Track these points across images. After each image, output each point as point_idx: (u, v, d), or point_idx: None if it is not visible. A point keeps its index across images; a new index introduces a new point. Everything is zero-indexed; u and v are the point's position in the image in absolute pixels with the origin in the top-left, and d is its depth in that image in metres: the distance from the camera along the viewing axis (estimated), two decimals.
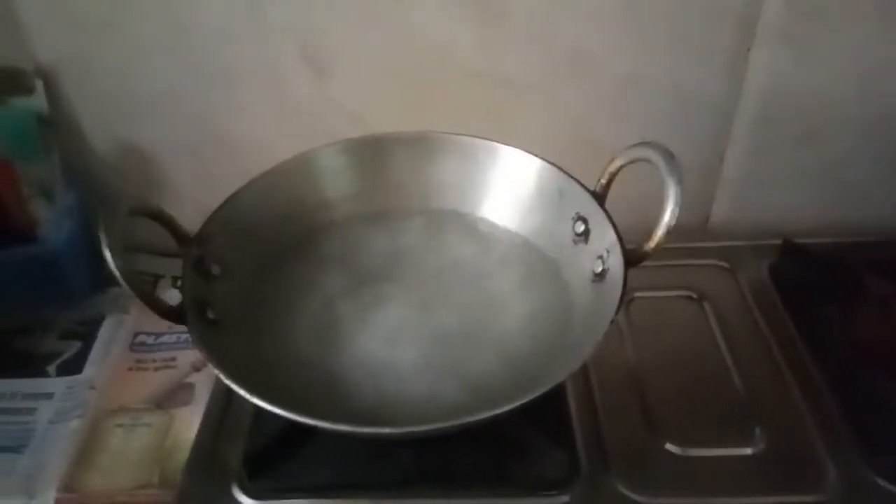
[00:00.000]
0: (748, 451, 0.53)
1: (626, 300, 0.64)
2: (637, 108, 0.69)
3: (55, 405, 0.63)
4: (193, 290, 0.49)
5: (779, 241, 0.68)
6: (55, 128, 0.68)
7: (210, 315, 0.50)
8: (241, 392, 0.42)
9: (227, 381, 0.43)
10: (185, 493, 0.53)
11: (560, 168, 0.57)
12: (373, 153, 0.61)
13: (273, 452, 0.53)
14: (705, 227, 0.77)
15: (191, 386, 0.64)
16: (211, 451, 0.55)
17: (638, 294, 0.66)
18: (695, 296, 0.66)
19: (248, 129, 0.70)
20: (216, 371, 0.43)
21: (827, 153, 0.70)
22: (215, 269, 0.53)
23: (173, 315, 0.47)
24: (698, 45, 0.65)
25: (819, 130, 0.69)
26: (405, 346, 0.53)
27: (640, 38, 0.64)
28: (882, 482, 0.50)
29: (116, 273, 0.44)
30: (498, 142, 0.59)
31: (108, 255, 0.44)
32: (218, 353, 0.45)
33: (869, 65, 0.65)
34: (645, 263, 0.49)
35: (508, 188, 0.60)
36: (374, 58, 0.66)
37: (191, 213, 0.54)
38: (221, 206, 0.55)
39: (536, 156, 0.58)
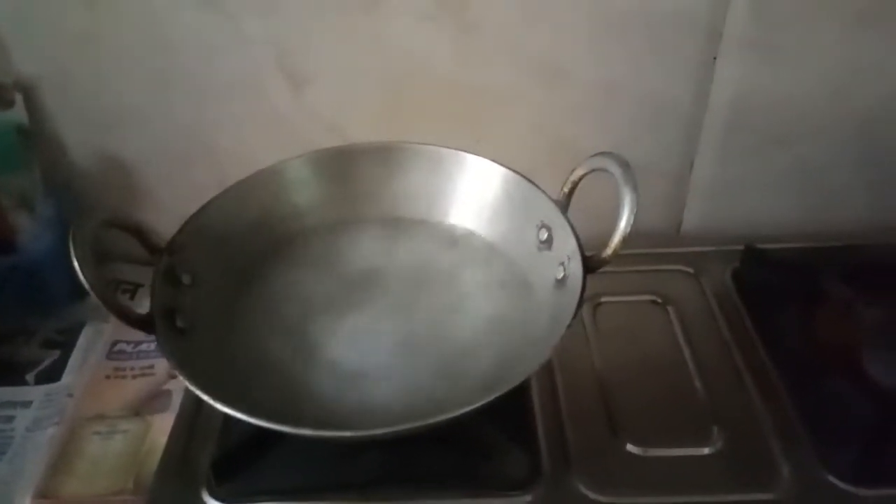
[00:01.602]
0: (706, 450, 0.54)
1: (593, 304, 0.66)
2: (608, 116, 0.70)
3: (33, 413, 0.64)
4: (163, 299, 0.50)
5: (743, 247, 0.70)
6: (35, 140, 0.69)
7: (179, 323, 0.50)
8: (207, 398, 0.43)
9: (193, 388, 0.44)
10: (154, 498, 0.53)
11: (524, 176, 0.58)
12: (341, 164, 0.62)
13: (241, 457, 0.54)
14: (678, 233, 0.78)
15: (168, 393, 0.65)
16: (181, 456, 0.56)
17: (604, 299, 0.67)
18: (659, 300, 0.67)
19: (227, 140, 0.71)
20: (182, 377, 0.44)
21: (796, 159, 0.72)
22: (186, 279, 0.53)
23: (143, 324, 0.48)
24: (666, 53, 0.66)
25: (787, 137, 0.70)
26: (373, 351, 0.54)
27: (609, 47, 0.66)
28: (835, 480, 0.51)
29: (85, 283, 0.45)
30: (465, 151, 0.61)
31: (76, 265, 0.45)
32: (186, 361, 0.46)
33: (836, 71, 0.66)
34: (612, 268, 0.50)
35: (475, 196, 0.61)
36: (350, 69, 0.67)
37: (171, 223, 0.55)
38: (192, 217, 0.55)
39: (502, 165, 0.59)
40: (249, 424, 0.43)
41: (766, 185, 0.74)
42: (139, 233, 0.51)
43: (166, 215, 0.56)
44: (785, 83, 0.67)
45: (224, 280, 0.57)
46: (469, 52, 0.66)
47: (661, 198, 0.76)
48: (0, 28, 0.65)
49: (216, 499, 0.52)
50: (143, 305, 0.49)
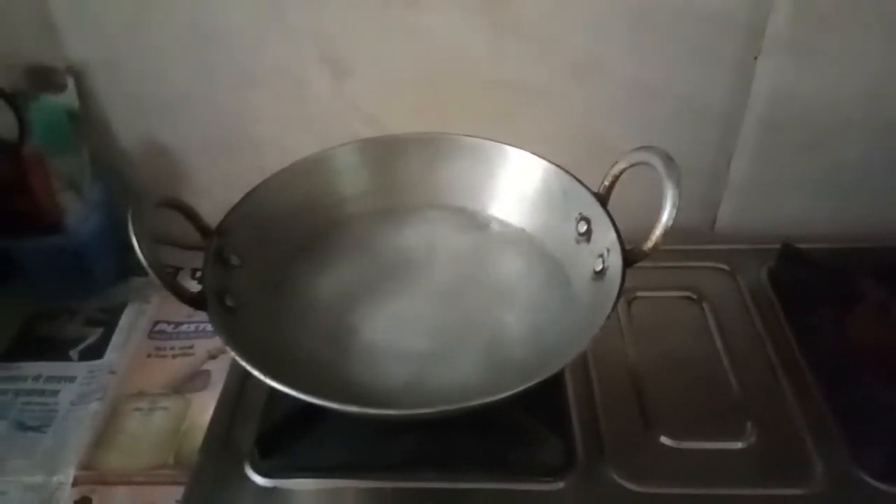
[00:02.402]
0: (739, 445, 0.55)
1: (628, 299, 0.67)
2: (645, 113, 0.70)
3: (77, 388, 0.66)
4: (214, 279, 0.51)
5: (779, 246, 0.70)
6: (85, 124, 0.71)
7: (229, 302, 0.52)
8: (256, 373, 0.44)
9: (243, 363, 0.45)
10: (200, 471, 0.55)
11: (565, 170, 0.58)
12: (386, 153, 0.63)
13: (284, 433, 0.55)
14: (712, 230, 0.78)
15: (207, 373, 0.67)
16: (225, 432, 0.57)
17: (640, 294, 0.67)
18: (695, 297, 0.67)
19: (268, 129, 0.73)
20: (233, 353, 0.45)
21: (832, 159, 0.72)
22: (234, 260, 0.55)
23: (195, 302, 0.49)
24: (706, 52, 0.66)
25: (825, 137, 0.70)
26: (413, 335, 0.55)
27: (648, 45, 0.66)
28: (867, 478, 0.52)
29: (143, 261, 0.46)
30: (507, 143, 0.61)
31: (135, 243, 0.46)
32: (235, 338, 0.47)
33: (874, 73, 0.66)
34: (648, 264, 0.50)
35: (516, 188, 0.62)
36: (390, 61, 0.68)
37: (211, 207, 0.56)
38: (242, 201, 0.57)
39: (543, 157, 0.59)
40: (294, 401, 0.44)
41: (802, 185, 0.74)
42: (191, 214, 0.53)
43: (207, 199, 0.57)
44: (825, 84, 0.67)
45: (270, 263, 0.58)
46: (508, 48, 0.67)
47: (696, 195, 0.76)
48: (54, 15, 0.67)
49: (259, 473, 0.54)
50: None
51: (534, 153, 0.60)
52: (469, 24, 0.66)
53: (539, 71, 0.68)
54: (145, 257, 0.46)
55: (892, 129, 0.69)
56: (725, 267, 0.71)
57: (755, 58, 0.66)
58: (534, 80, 0.69)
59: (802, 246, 0.69)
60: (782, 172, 0.73)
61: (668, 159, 0.49)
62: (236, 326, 0.50)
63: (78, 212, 0.71)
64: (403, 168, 0.63)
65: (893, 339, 0.58)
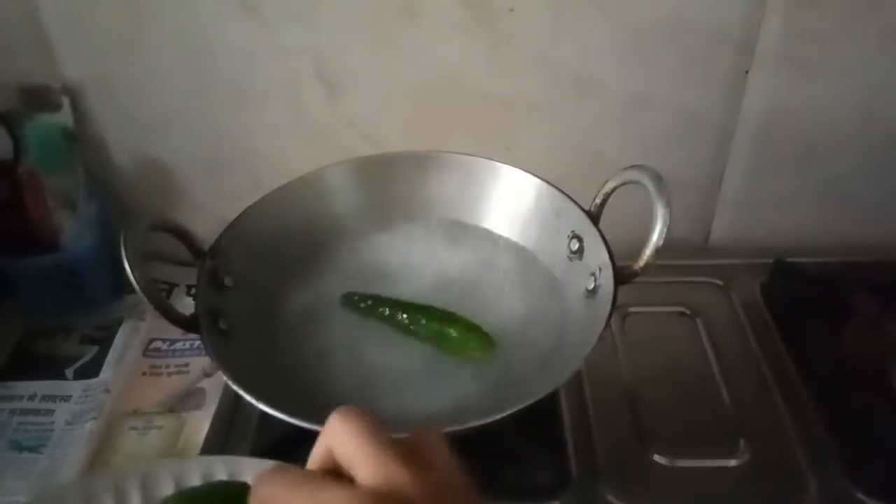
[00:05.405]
0: (732, 462, 0.55)
1: (622, 315, 0.67)
2: (639, 128, 0.70)
3: (72, 407, 0.65)
4: (207, 301, 0.51)
5: (772, 260, 0.70)
6: (79, 142, 0.71)
7: (222, 325, 0.52)
8: (249, 398, 0.44)
9: (237, 388, 0.45)
10: None
11: (557, 188, 0.58)
12: (380, 171, 0.63)
13: (277, 456, 0.55)
14: (706, 244, 0.79)
15: (202, 391, 0.66)
16: (219, 454, 0.57)
17: (633, 309, 0.68)
18: (688, 312, 0.68)
19: (263, 145, 0.73)
20: (226, 378, 0.46)
21: (825, 172, 0.72)
22: (228, 281, 0.55)
23: (187, 325, 0.49)
24: (698, 67, 0.66)
25: (817, 150, 0.71)
26: (408, 355, 0.55)
27: (642, 60, 0.66)
28: (861, 496, 0.52)
29: (136, 286, 0.46)
30: (499, 161, 0.61)
31: (127, 268, 0.46)
32: (229, 362, 0.48)
33: (866, 85, 0.67)
34: (641, 279, 0.50)
35: (508, 206, 0.62)
36: (385, 78, 0.69)
37: (207, 225, 0.56)
38: (235, 221, 0.57)
39: (536, 175, 0.60)
40: (287, 424, 0.44)
41: (795, 199, 0.74)
42: (184, 236, 0.53)
43: (202, 216, 0.57)
44: (816, 98, 0.67)
45: (264, 283, 0.58)
46: (501, 63, 0.67)
47: (689, 209, 0.76)
48: (49, 34, 0.67)
49: None
50: (178, 304, 0.51)
51: (526, 170, 0.60)
52: (463, 41, 0.66)
53: (533, 86, 0.69)
54: (138, 283, 0.46)
55: (885, 141, 0.70)
56: (719, 282, 0.71)
57: (746, 72, 0.66)
58: (528, 94, 0.69)
59: (796, 259, 0.70)
60: (775, 186, 0.74)
61: (658, 179, 0.49)
62: (230, 349, 0.50)
63: (73, 230, 0.70)
64: (396, 185, 0.64)
65: (888, 354, 0.58)
